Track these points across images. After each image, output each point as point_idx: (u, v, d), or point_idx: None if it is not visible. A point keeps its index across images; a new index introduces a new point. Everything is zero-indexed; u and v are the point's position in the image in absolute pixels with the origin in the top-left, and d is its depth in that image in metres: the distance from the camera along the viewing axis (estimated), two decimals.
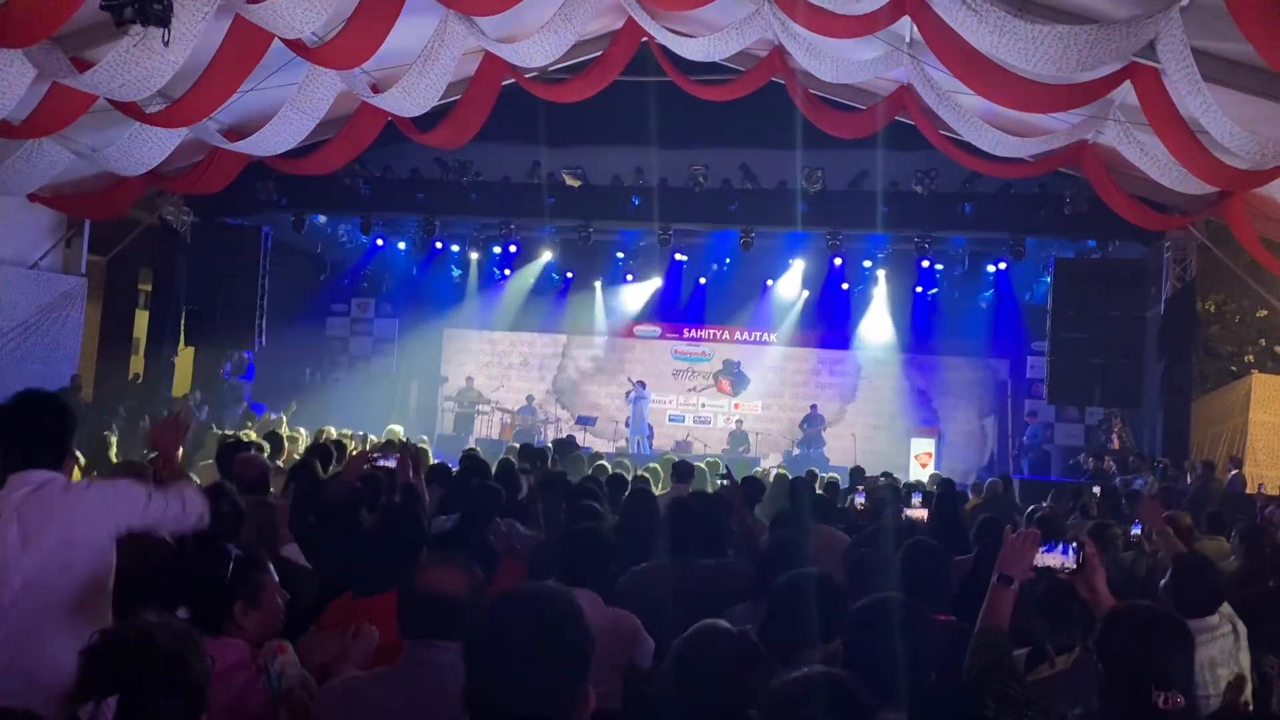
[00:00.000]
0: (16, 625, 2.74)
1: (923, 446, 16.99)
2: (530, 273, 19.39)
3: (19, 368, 13.46)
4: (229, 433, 10.93)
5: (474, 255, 19.16)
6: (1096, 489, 9.12)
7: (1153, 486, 11.18)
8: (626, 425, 18.18)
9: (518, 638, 1.65)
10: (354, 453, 6.86)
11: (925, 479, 11.96)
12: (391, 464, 4.99)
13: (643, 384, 18.37)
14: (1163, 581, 3.83)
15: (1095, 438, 16.10)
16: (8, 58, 8.99)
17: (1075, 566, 2.88)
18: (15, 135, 10.68)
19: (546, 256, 18.93)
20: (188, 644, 2.10)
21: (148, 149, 11.69)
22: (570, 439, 12.22)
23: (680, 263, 18.65)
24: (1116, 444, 15.18)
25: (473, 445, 14.23)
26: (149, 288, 16.53)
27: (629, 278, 19.36)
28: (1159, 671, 2.28)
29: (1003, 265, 16.89)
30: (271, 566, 3.00)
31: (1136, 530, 5.73)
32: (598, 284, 19.57)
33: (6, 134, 10.53)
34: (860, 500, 6.58)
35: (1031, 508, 6.56)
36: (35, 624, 2.76)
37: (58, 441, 3.05)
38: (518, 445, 11.44)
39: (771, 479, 8.79)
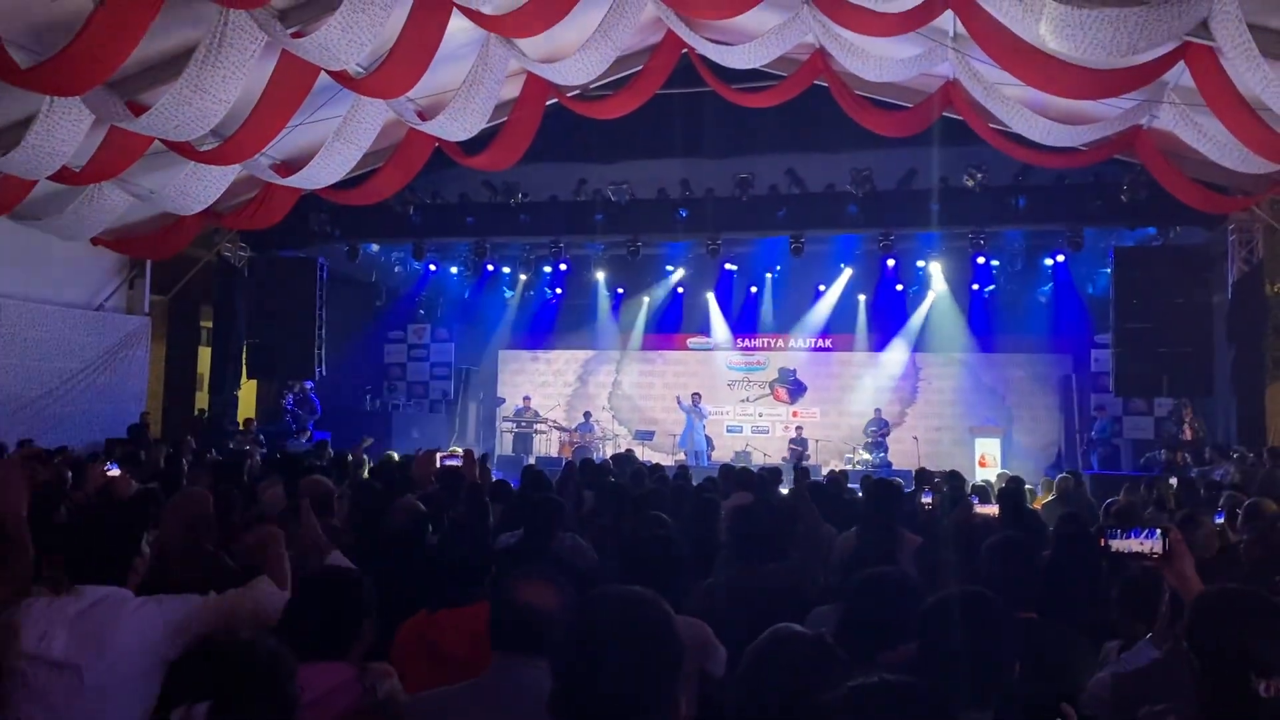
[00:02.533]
0: None
1: (987, 446, 16.68)
2: (582, 290, 19.47)
3: (89, 408, 13.82)
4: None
5: (524, 276, 19.28)
6: (1174, 480, 8.85)
7: (1234, 477, 10.84)
8: (679, 440, 18.07)
9: (609, 640, 1.59)
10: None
11: (993, 479, 11.72)
12: (458, 463, 5.01)
13: (698, 396, 18.32)
14: None
15: (1166, 429, 15.68)
16: (67, 105, 9.25)
17: (1162, 552, 2.76)
18: (77, 181, 11.00)
19: (597, 274, 19.00)
20: (281, 662, 2.11)
21: (202, 187, 11.96)
22: (629, 453, 12.19)
23: (731, 272, 18.59)
24: (1189, 435, 14.75)
25: (532, 463, 14.27)
26: (210, 324, 16.88)
27: (679, 290, 19.34)
28: (1258, 657, 2.13)
29: (1061, 258, 16.54)
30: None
31: (1219, 520, 5.55)
32: (647, 299, 19.58)
33: (69, 180, 10.84)
34: (927, 500, 6.46)
35: (1108, 500, 6.39)
36: None
37: (125, 551, 3.01)
38: (578, 462, 11.45)
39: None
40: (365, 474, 8.67)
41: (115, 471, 5.33)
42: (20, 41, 8.57)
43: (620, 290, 19.58)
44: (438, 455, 5.20)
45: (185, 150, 10.54)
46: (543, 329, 20.29)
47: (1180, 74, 9.25)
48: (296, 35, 9.24)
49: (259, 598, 3.05)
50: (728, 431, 19.51)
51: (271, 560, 3.30)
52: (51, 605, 2.86)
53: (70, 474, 6.23)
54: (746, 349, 19.91)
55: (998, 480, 10.17)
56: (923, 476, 8.73)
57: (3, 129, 10.10)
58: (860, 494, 7.46)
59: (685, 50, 12.25)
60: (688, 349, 20.14)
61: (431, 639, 3.09)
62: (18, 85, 8.33)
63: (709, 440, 18.29)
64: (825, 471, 13.38)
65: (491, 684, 2.49)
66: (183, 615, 2.91)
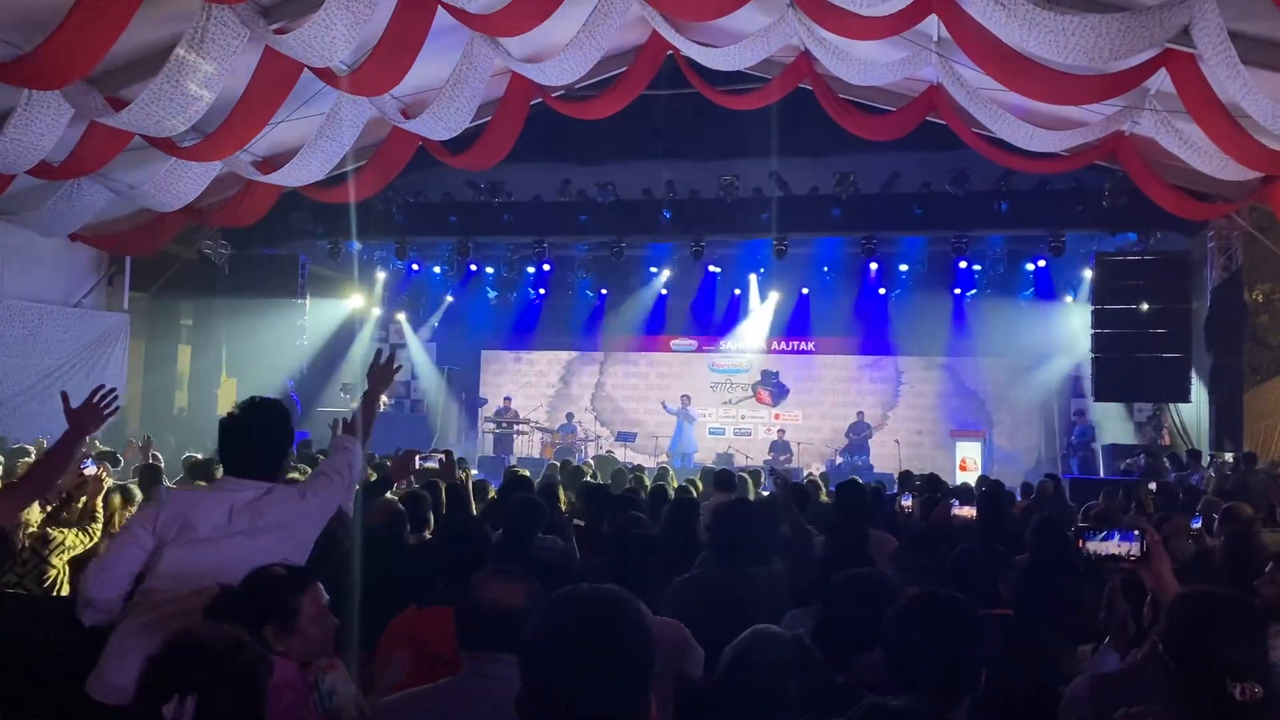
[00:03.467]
0: None
1: (968, 450, 16.76)
2: (565, 291, 19.43)
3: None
4: None
5: (508, 276, 19.23)
6: (1152, 485, 8.90)
7: (1210, 482, 10.92)
8: (670, 442, 18.05)
9: (578, 639, 1.55)
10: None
11: (973, 482, 11.77)
12: (435, 464, 5.00)
13: (687, 398, 18.33)
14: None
15: (1144, 434, 15.79)
16: (45, 99, 9.17)
17: (1140, 555, 2.76)
18: (55, 176, 10.90)
19: (581, 274, 18.98)
20: (257, 656, 2.12)
21: (183, 184, 11.87)
22: (610, 455, 12.18)
23: (714, 274, 18.60)
24: (1166, 440, 14.87)
25: (513, 464, 14.24)
26: (190, 322, 16.76)
27: (663, 292, 19.34)
28: (1233, 660, 2.13)
29: (1042, 263, 16.64)
30: (320, 586, 2.96)
31: (1196, 524, 5.58)
32: (632, 299, 19.56)
33: (47, 175, 10.74)
34: (907, 503, 6.47)
35: (1087, 504, 6.41)
36: None
37: (282, 451, 3.32)
38: (559, 463, 11.43)
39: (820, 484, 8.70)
40: None
41: (91, 469, 5.27)
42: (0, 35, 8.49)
43: (604, 291, 19.55)
44: (416, 456, 5.16)
45: (166, 146, 10.46)
46: (525, 329, 20.24)
47: (1161, 80, 9.31)
48: (280, 31, 9.19)
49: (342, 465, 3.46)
50: (710, 434, 19.51)
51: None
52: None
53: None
54: (728, 351, 19.91)
55: (977, 484, 10.21)
56: (906, 479, 8.76)
57: None
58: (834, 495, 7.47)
59: (670, 52, 12.25)
60: (671, 351, 20.13)
61: (418, 636, 3.07)
62: None
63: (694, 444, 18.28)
64: (806, 474, 13.42)
65: (459, 685, 2.47)
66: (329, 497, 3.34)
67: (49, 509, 5.09)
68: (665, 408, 18.48)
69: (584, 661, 1.52)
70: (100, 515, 5.08)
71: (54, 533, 4.90)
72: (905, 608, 2.39)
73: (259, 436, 3.22)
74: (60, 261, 14.01)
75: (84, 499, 5.12)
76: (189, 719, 1.94)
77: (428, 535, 4.86)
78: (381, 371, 4.05)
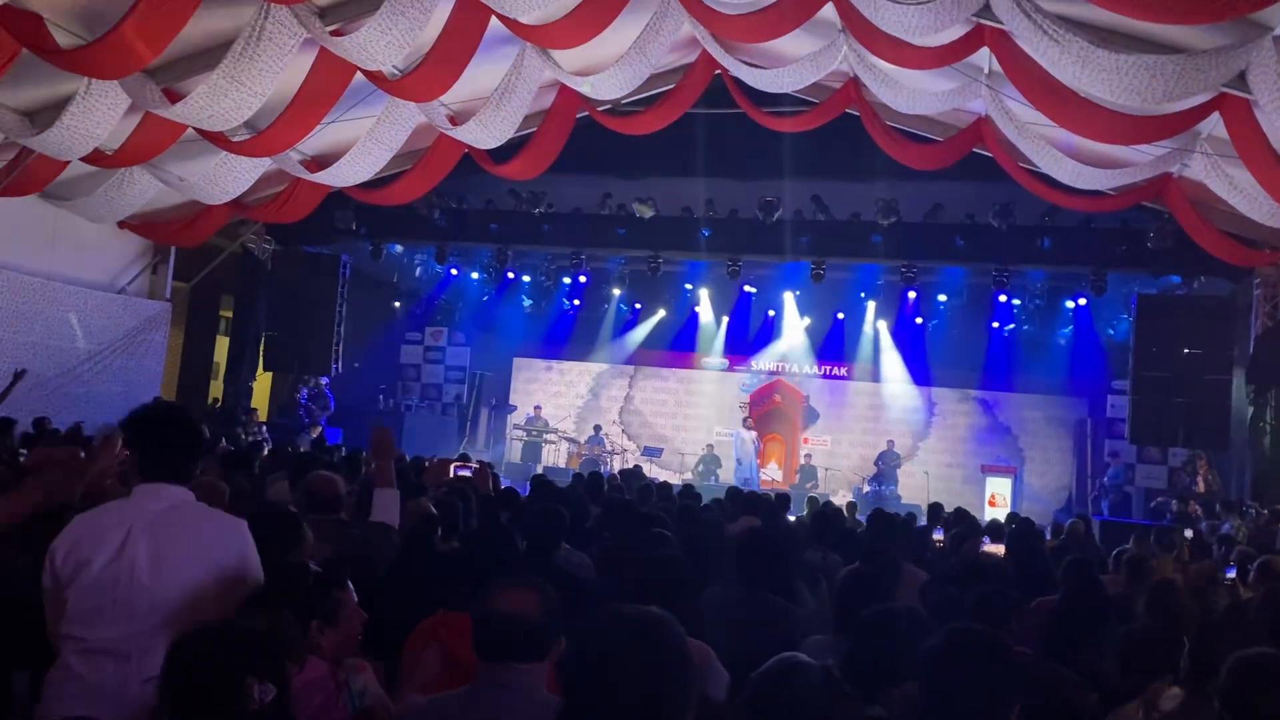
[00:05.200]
0: (144, 642, 2.68)
1: (998, 486, 16.58)
2: (600, 303, 19.49)
3: (104, 390, 13.88)
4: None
5: (544, 285, 19.32)
6: (1188, 532, 8.76)
7: (1240, 532, 10.74)
8: (735, 472, 17.90)
9: (620, 661, 1.56)
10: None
11: (1002, 519, 11.65)
12: (469, 474, 5.02)
13: (749, 421, 18.25)
14: None
15: (1179, 480, 15.56)
16: (104, 89, 9.34)
17: None
18: (109, 164, 11.09)
19: (616, 288, 19.03)
20: (281, 645, 2.14)
21: (232, 178, 12.04)
22: (637, 469, 12.17)
23: (749, 294, 18.58)
24: (1201, 487, 14.64)
25: (540, 473, 14.27)
26: (230, 314, 16.95)
27: (697, 309, 19.34)
28: None
29: (1083, 301, 16.49)
30: (350, 585, 2.99)
31: (1231, 574, 5.50)
32: (665, 315, 19.57)
33: (101, 163, 10.94)
34: (938, 537, 6.41)
35: (1118, 550, 6.33)
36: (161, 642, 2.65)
37: (190, 456, 3.07)
38: (585, 474, 11.44)
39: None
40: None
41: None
42: (61, 23, 8.67)
43: (638, 306, 19.59)
44: (452, 464, 5.20)
45: (218, 140, 10.61)
46: (558, 339, 20.31)
47: (1214, 124, 9.22)
48: (336, 33, 9.31)
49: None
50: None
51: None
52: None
53: (83, 453, 6.24)
54: (759, 372, 19.84)
55: (1006, 521, 10.12)
56: (935, 511, 8.68)
57: (39, 109, 10.21)
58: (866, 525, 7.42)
59: (718, 71, 12.28)
60: (702, 369, 20.11)
61: (443, 639, 3.09)
62: (59, 66, 8.42)
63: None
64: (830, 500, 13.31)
65: (474, 694, 2.48)
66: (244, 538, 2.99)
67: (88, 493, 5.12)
68: (735, 435, 18.26)
69: (628, 683, 1.52)
70: None
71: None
72: (944, 643, 2.38)
73: (169, 435, 2.99)
74: (107, 248, 14.23)
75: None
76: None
77: (455, 544, 4.89)
78: (381, 445, 3.96)
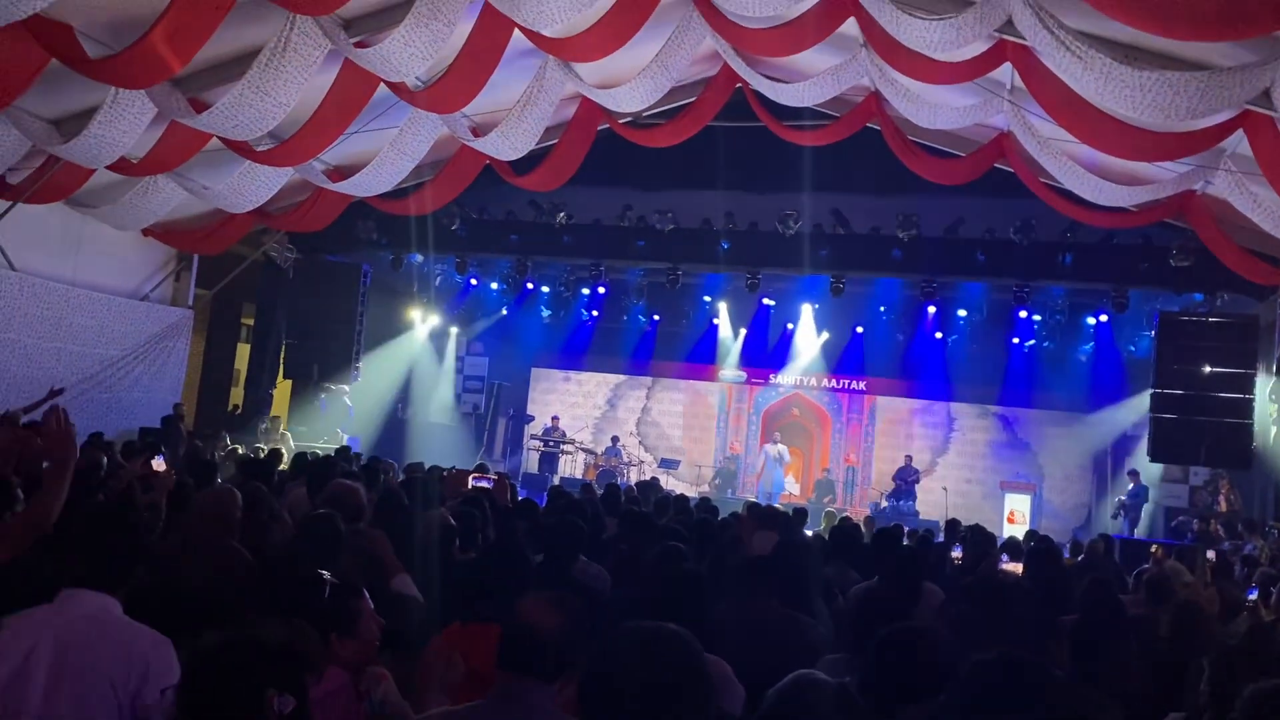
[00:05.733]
0: None
1: (1017, 503, 16.45)
2: (618, 315, 19.51)
3: (125, 396, 14.01)
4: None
5: (564, 296, 19.36)
6: (1211, 553, 8.67)
7: (1263, 553, 10.63)
8: (759, 484, 17.88)
9: (638, 678, 1.56)
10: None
11: (1021, 536, 11.57)
12: (488, 485, 5.03)
13: (777, 435, 18.21)
14: None
15: (1200, 499, 15.40)
16: (131, 98, 9.45)
17: None
18: (134, 172, 11.21)
19: (634, 299, 19.05)
20: (300, 656, 2.14)
21: (256, 187, 12.14)
22: (654, 481, 12.16)
23: (768, 307, 18.56)
24: (1224, 507, 14.49)
25: (556, 484, 14.29)
26: (251, 322, 17.06)
27: (715, 322, 19.34)
28: None
29: (1104, 317, 16.39)
30: (366, 594, 3.01)
31: (1252, 595, 5.44)
32: (683, 327, 19.57)
33: (126, 171, 11.05)
34: (957, 554, 6.38)
35: (1139, 569, 6.28)
36: None
37: (126, 562, 2.80)
38: (599, 485, 11.44)
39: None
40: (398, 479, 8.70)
41: (160, 464, 5.34)
42: (90, 33, 8.77)
43: (656, 317, 19.60)
44: (470, 476, 5.22)
45: (242, 149, 10.71)
46: (576, 350, 20.33)
47: (1238, 141, 9.16)
48: (360, 45, 9.39)
49: None
50: (751, 469, 19.41)
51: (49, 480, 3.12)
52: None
53: (105, 460, 6.31)
54: (777, 385, 19.80)
55: (1025, 538, 10.04)
56: (953, 528, 8.63)
57: (66, 117, 10.32)
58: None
59: (739, 85, 12.31)
60: (719, 381, 20.09)
61: (463, 651, 3.09)
62: (87, 76, 8.51)
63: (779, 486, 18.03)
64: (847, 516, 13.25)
65: (493, 706, 2.48)
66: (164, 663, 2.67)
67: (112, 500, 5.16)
68: (765, 450, 18.23)
69: (642, 699, 1.52)
70: (163, 511, 5.07)
71: None
72: (981, 669, 2.34)
73: (106, 540, 2.77)
74: (131, 255, 14.37)
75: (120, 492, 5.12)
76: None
77: (473, 554, 4.90)
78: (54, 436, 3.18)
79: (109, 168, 10.69)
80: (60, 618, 2.62)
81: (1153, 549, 9.70)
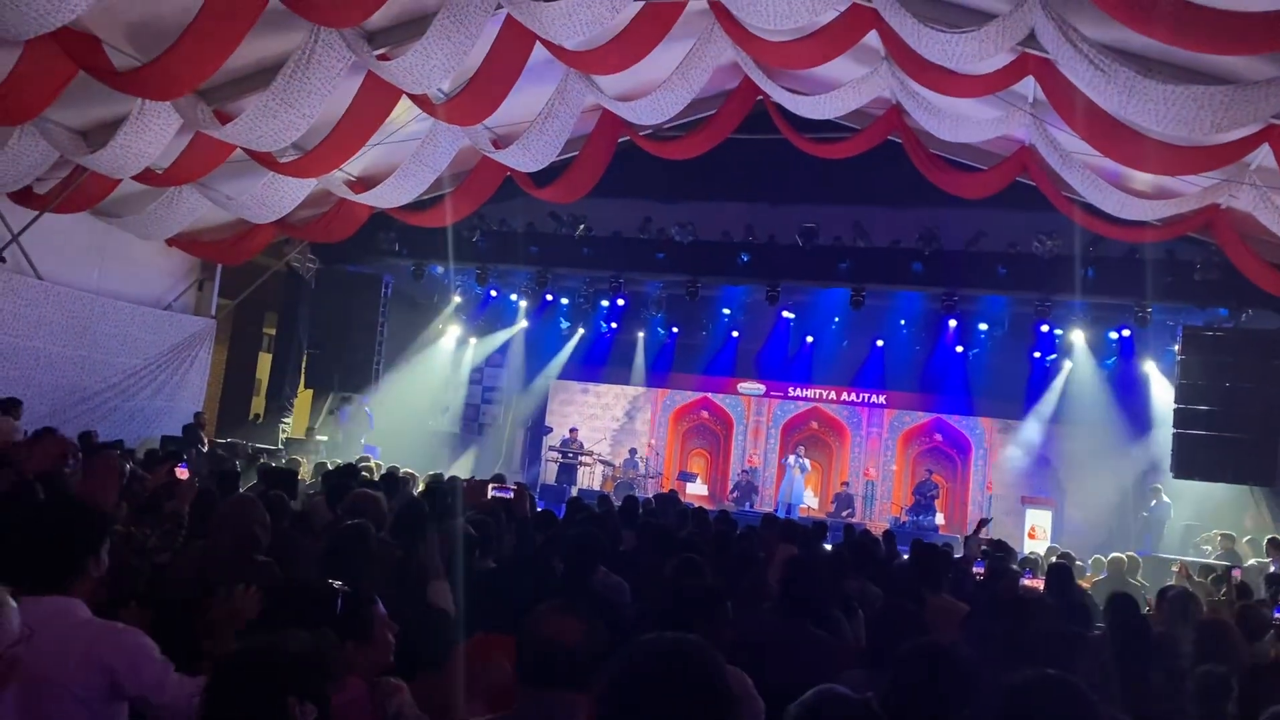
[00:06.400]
0: None
1: (1037, 518, 16.32)
2: (637, 327, 19.51)
3: (147, 404, 14.11)
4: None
5: (582, 307, 19.38)
6: (1236, 572, 8.57)
7: None
8: (779, 493, 17.83)
9: (658, 692, 1.55)
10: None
11: (1040, 551, 11.48)
12: (508, 495, 5.03)
13: (801, 448, 18.17)
14: None
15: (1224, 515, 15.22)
16: (157, 109, 9.54)
17: None
18: (159, 183, 11.31)
19: (653, 311, 19.05)
20: (324, 665, 2.15)
21: (279, 198, 12.22)
22: (673, 493, 12.13)
23: (787, 320, 18.52)
24: (1248, 523, 14.32)
25: (575, 495, 14.27)
26: (273, 331, 17.17)
27: (734, 334, 19.31)
28: None
29: (1126, 332, 16.25)
30: (380, 601, 3.01)
31: (1279, 615, 5.37)
32: (703, 339, 19.55)
33: (151, 181, 11.15)
34: (978, 570, 6.33)
35: (1164, 587, 6.21)
36: None
37: (74, 560, 2.69)
38: (619, 497, 11.42)
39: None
40: (417, 489, 8.73)
41: (184, 472, 5.37)
42: (117, 45, 8.87)
43: (675, 330, 19.59)
44: (489, 486, 5.22)
45: (266, 160, 10.79)
46: (595, 362, 20.36)
47: (1263, 155, 9.09)
48: (383, 58, 9.46)
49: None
50: (771, 481, 19.35)
51: None
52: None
53: (129, 468, 6.35)
54: (797, 398, 19.75)
55: (1047, 554, 9.97)
56: (972, 544, 8.57)
57: (93, 128, 10.45)
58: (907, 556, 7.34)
59: (760, 97, 12.31)
60: (738, 394, 20.06)
61: (485, 660, 3.09)
62: (114, 87, 8.61)
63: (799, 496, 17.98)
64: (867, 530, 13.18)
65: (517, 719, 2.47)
66: (139, 653, 2.64)
67: (134, 508, 5.19)
68: (784, 462, 18.20)
69: (663, 711, 1.51)
70: (186, 521, 5.06)
71: (137, 533, 4.97)
72: (1022, 688, 2.29)
73: (50, 536, 2.69)
74: (155, 265, 14.49)
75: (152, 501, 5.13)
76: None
77: (492, 563, 4.90)
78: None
79: (134, 178, 10.80)
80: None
81: (1175, 566, 9.60)
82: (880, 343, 18.52)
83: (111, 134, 9.76)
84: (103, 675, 2.56)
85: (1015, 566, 7.33)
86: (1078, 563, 9.25)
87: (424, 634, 3.08)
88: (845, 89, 11.00)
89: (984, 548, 8.36)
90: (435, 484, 7.35)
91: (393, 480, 7.88)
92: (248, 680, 2.07)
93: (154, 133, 9.86)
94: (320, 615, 2.84)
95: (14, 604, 2.19)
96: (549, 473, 19.22)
